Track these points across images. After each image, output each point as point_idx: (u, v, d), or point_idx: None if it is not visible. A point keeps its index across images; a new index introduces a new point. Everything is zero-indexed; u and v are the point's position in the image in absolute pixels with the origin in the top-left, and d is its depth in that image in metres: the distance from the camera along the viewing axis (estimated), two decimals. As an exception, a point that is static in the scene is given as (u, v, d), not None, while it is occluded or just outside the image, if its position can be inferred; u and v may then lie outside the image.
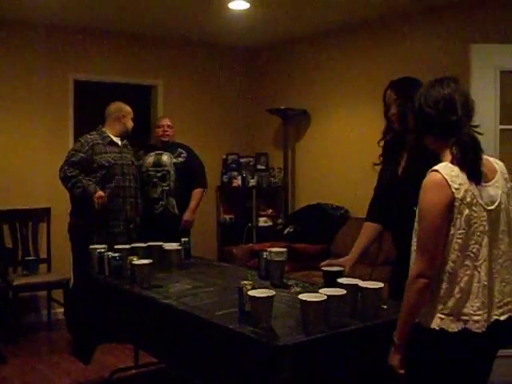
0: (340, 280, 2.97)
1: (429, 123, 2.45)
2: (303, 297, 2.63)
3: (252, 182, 7.35)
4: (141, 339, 3.66)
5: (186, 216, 5.86)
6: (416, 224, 2.43)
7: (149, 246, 4.29)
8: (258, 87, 7.87)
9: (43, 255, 6.29)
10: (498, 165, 2.50)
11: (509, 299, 2.46)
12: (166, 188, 5.76)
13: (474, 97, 4.37)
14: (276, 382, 2.41)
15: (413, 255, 2.44)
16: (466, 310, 2.33)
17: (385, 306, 2.95)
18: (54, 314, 6.42)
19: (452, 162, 2.36)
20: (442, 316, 2.35)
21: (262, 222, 7.34)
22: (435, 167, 2.36)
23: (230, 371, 2.70)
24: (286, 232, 6.66)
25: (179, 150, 5.92)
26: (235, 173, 7.51)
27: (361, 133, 6.50)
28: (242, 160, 7.63)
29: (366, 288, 2.87)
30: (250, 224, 7.21)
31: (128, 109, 5.47)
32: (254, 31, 6.91)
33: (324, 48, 6.96)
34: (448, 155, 2.40)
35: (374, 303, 2.86)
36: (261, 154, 7.71)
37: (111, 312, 3.90)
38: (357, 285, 2.89)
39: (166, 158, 5.83)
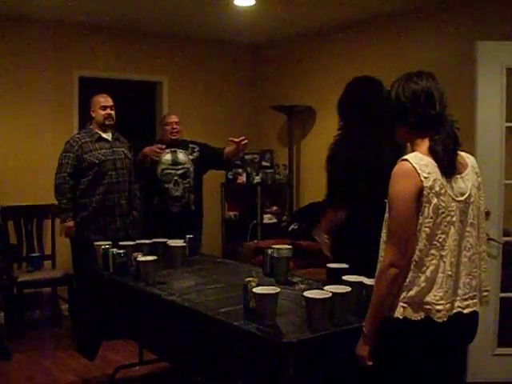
0: (345, 277, 2.97)
1: (404, 114, 2.46)
2: (308, 294, 2.63)
3: (257, 179, 7.34)
4: (145, 336, 3.66)
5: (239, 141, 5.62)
6: (386, 215, 2.44)
7: (153, 242, 4.30)
8: (263, 84, 7.85)
9: (48, 252, 6.29)
10: (470, 159, 2.53)
11: (474, 293, 2.48)
12: (187, 185, 5.70)
13: (480, 94, 4.41)
14: (281, 379, 2.41)
15: (382, 246, 2.45)
16: (428, 299, 2.35)
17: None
18: (59, 310, 6.43)
19: (422, 153, 2.39)
20: (405, 305, 2.37)
21: (267, 219, 7.33)
22: (405, 156, 2.39)
23: (235, 368, 2.70)
24: (290, 229, 6.65)
25: (190, 146, 5.86)
26: (240, 170, 7.50)
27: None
28: (246, 157, 7.61)
29: (371, 285, 2.86)
30: (254, 221, 7.20)
31: (96, 99, 5.39)
32: (259, 28, 6.90)
33: (329, 44, 6.94)
34: (420, 146, 2.44)
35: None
36: (266, 150, 7.70)
37: (115, 309, 3.91)
38: (362, 282, 2.89)
39: (182, 155, 5.75)
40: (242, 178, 7.45)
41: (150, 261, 3.67)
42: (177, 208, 5.67)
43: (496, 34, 4.99)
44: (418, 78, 2.50)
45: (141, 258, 3.74)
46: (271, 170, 7.51)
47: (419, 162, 2.34)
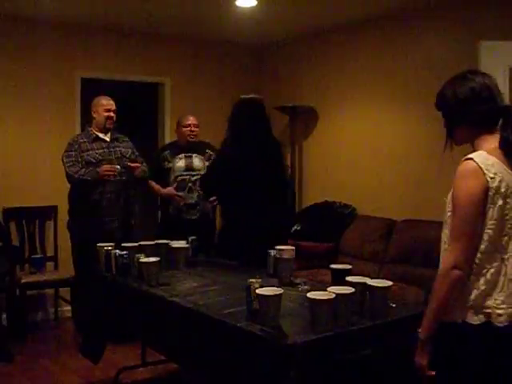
0: (348, 278, 2.96)
1: (466, 113, 2.41)
2: (312, 295, 2.62)
3: (259, 180, 7.32)
4: (148, 337, 3.66)
5: None
6: (446, 215, 2.41)
7: (156, 244, 4.29)
8: (266, 84, 7.84)
9: (50, 253, 6.30)
10: None
11: None
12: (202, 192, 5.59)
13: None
14: (284, 381, 2.41)
15: (444, 247, 2.41)
16: (489, 303, 2.29)
17: (393, 305, 2.94)
18: (61, 311, 6.43)
19: (486, 151, 2.33)
20: (464, 308, 2.31)
21: (270, 219, 7.31)
22: (469, 155, 2.33)
23: (238, 369, 2.69)
24: (293, 230, 6.64)
25: (207, 151, 5.82)
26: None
27: (369, 131, 6.48)
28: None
29: (375, 286, 2.86)
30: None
31: (98, 101, 5.43)
32: (261, 28, 6.89)
33: (332, 45, 6.93)
34: (482, 145, 2.38)
35: (383, 301, 2.85)
36: (268, 151, 7.69)
37: (118, 310, 3.90)
38: (365, 283, 2.88)
39: (197, 161, 5.72)
40: (245, 179, 7.43)
41: (153, 262, 3.67)
42: (193, 215, 5.64)
43: (499, 33, 4.99)
44: (472, 75, 2.45)
45: (143, 259, 3.73)
46: (274, 171, 7.50)
47: (485, 161, 2.29)
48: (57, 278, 6.00)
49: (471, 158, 2.31)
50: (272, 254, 3.69)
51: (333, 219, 6.51)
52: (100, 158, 5.27)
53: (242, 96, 4.83)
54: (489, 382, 2.33)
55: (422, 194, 5.82)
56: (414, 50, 5.94)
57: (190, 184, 5.64)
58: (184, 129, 5.76)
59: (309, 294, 2.63)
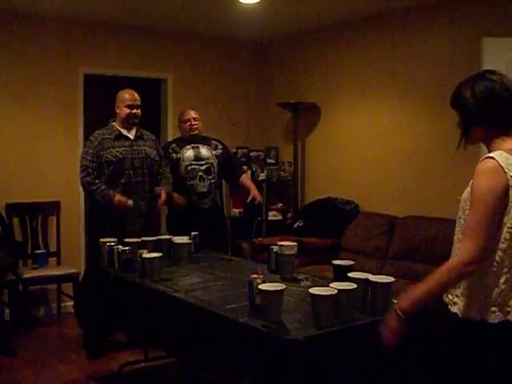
0: (350, 274, 2.97)
1: (484, 113, 2.40)
2: (314, 291, 2.62)
3: (262, 176, 7.33)
4: (150, 332, 3.66)
5: (256, 194, 5.67)
6: (460, 212, 2.41)
7: (158, 239, 4.29)
8: (268, 81, 7.85)
9: (53, 249, 6.30)
10: None
11: None
12: (213, 181, 5.59)
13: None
14: (286, 376, 2.41)
15: (457, 245, 2.41)
16: (508, 302, 2.30)
17: (395, 301, 2.94)
18: (64, 307, 6.45)
19: (506, 151, 2.33)
20: (483, 306, 2.32)
21: (272, 216, 7.33)
22: (489, 154, 2.33)
23: (240, 365, 2.70)
24: (295, 226, 6.65)
25: (213, 142, 5.80)
26: (245, 167, 7.49)
27: (371, 127, 6.48)
28: (251, 154, 7.61)
29: (377, 282, 2.87)
30: (259, 218, 7.19)
31: (122, 96, 5.12)
32: (264, 25, 6.88)
33: (335, 41, 6.92)
34: (501, 144, 2.38)
35: (385, 297, 2.86)
36: (271, 147, 7.70)
37: (120, 305, 3.91)
38: (367, 279, 2.89)
39: (205, 150, 5.65)
40: (247, 175, 7.43)
41: (156, 257, 3.67)
42: (205, 204, 5.55)
43: (502, 30, 4.98)
44: (491, 74, 2.45)
45: (146, 254, 3.74)
46: (276, 167, 7.52)
47: (505, 160, 2.29)
48: (59, 273, 6.00)
49: (492, 157, 2.31)
50: (274, 249, 3.69)
51: (335, 215, 6.51)
52: (121, 156, 4.98)
53: None
54: (506, 380, 2.34)
55: (425, 191, 5.82)
56: (417, 47, 5.94)
57: (200, 173, 5.54)
58: (185, 124, 5.72)
59: (311, 290, 2.64)
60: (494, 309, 2.30)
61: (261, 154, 7.67)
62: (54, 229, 6.35)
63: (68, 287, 6.14)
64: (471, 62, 4.97)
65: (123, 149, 5.04)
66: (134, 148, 5.09)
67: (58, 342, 5.63)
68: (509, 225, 2.29)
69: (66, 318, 6.29)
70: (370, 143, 6.47)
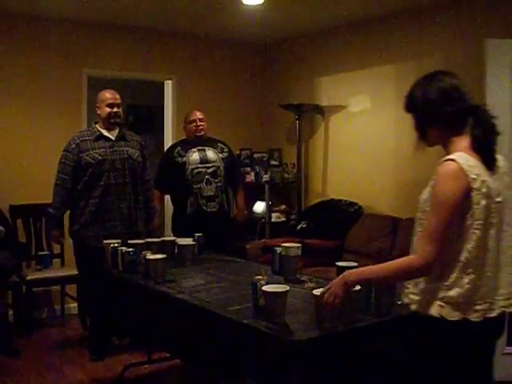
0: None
1: (436, 114, 2.44)
2: (317, 292, 2.62)
3: (265, 178, 7.31)
4: (154, 334, 3.66)
5: (240, 216, 5.92)
6: (420, 213, 2.44)
7: (162, 241, 4.30)
8: (272, 82, 7.85)
9: (56, 250, 6.29)
10: (499, 159, 2.49)
11: None
12: (219, 184, 5.56)
13: (489, 91, 4.39)
14: (290, 377, 2.41)
15: (415, 245, 2.43)
16: (469, 300, 2.32)
17: (399, 302, 2.94)
18: (68, 308, 6.46)
19: (462, 151, 2.35)
20: (443, 304, 2.34)
21: (275, 217, 7.32)
22: (450, 156, 2.34)
23: (244, 366, 2.70)
24: (299, 228, 6.65)
25: (219, 144, 5.78)
26: (248, 168, 7.49)
27: (375, 129, 6.48)
28: (255, 155, 7.62)
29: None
30: (263, 219, 7.19)
31: (102, 96, 5.05)
32: (267, 26, 6.89)
33: (338, 43, 6.92)
34: (456, 144, 2.41)
35: (388, 299, 2.85)
36: (274, 149, 7.71)
37: (124, 307, 3.91)
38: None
39: (211, 153, 5.62)
40: (251, 177, 7.43)
41: (160, 259, 3.68)
42: (213, 208, 5.53)
43: (505, 31, 4.98)
44: (442, 75, 2.48)
45: (150, 256, 3.74)
46: (279, 169, 7.52)
47: (466, 162, 2.30)
48: (63, 274, 6.00)
49: (453, 159, 2.32)
50: (278, 251, 3.70)
51: (339, 217, 6.52)
52: (100, 158, 4.90)
53: None
54: (466, 376, 2.39)
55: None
56: (420, 47, 5.93)
57: (207, 176, 5.51)
58: (190, 125, 5.68)
59: (315, 291, 2.64)
60: (453, 307, 2.33)
61: (264, 155, 7.67)
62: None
63: (72, 289, 6.16)
64: (475, 63, 4.96)
65: (102, 150, 4.97)
66: (115, 149, 5.01)
67: (62, 343, 5.63)
68: (475, 226, 2.31)
69: (70, 320, 6.29)
70: (374, 145, 6.47)
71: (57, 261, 6.29)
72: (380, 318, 2.75)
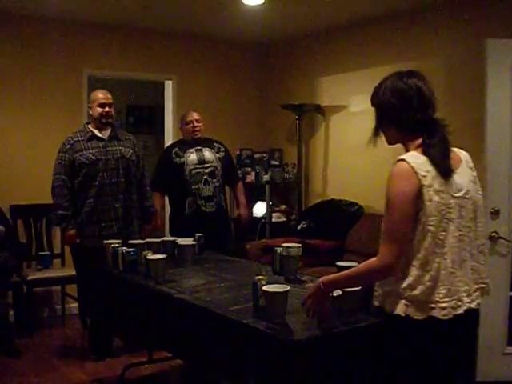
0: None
1: (396, 116, 2.47)
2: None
3: (266, 178, 7.31)
4: (154, 334, 3.66)
5: (244, 213, 5.92)
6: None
7: (163, 241, 4.30)
8: (272, 82, 7.85)
9: (57, 250, 6.31)
10: (463, 154, 2.53)
11: (477, 286, 2.47)
12: (217, 184, 5.57)
13: (490, 91, 4.39)
14: (290, 377, 2.42)
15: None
16: (432, 298, 2.34)
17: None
18: (68, 308, 6.46)
19: (417, 151, 2.40)
20: (408, 303, 2.36)
21: (276, 217, 7.32)
22: (401, 156, 2.39)
23: (244, 366, 2.70)
24: (299, 228, 6.65)
25: (216, 144, 5.78)
26: (249, 168, 7.49)
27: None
28: (255, 155, 7.62)
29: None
30: (263, 219, 7.19)
31: (94, 96, 5.06)
32: (267, 26, 6.89)
33: (338, 43, 6.93)
34: (414, 144, 2.44)
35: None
36: (275, 149, 7.71)
37: (125, 307, 3.91)
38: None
39: (208, 153, 5.62)
40: (251, 177, 7.43)
41: (160, 259, 3.68)
42: (211, 208, 5.53)
43: (506, 32, 4.98)
44: (408, 76, 2.51)
45: (150, 256, 3.74)
46: (280, 169, 7.52)
47: (416, 160, 2.34)
48: (64, 274, 6.00)
49: (403, 159, 2.36)
50: (278, 251, 3.70)
51: (339, 217, 6.51)
52: (94, 158, 4.92)
53: None
54: (432, 375, 2.40)
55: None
56: (420, 47, 5.93)
57: (205, 176, 5.51)
58: (187, 126, 5.67)
59: (315, 291, 2.64)
60: (418, 306, 2.35)
61: (265, 155, 7.67)
62: (58, 230, 6.34)
63: (72, 289, 6.15)
64: (475, 63, 4.96)
65: (96, 150, 4.98)
66: (108, 149, 5.03)
67: (62, 343, 5.63)
68: (428, 223, 2.32)
69: (70, 320, 6.29)
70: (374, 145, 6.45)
71: (57, 261, 6.30)
72: (380, 318, 2.74)
